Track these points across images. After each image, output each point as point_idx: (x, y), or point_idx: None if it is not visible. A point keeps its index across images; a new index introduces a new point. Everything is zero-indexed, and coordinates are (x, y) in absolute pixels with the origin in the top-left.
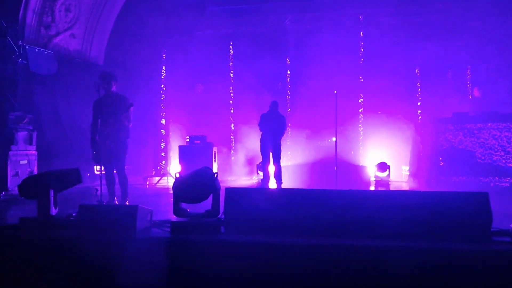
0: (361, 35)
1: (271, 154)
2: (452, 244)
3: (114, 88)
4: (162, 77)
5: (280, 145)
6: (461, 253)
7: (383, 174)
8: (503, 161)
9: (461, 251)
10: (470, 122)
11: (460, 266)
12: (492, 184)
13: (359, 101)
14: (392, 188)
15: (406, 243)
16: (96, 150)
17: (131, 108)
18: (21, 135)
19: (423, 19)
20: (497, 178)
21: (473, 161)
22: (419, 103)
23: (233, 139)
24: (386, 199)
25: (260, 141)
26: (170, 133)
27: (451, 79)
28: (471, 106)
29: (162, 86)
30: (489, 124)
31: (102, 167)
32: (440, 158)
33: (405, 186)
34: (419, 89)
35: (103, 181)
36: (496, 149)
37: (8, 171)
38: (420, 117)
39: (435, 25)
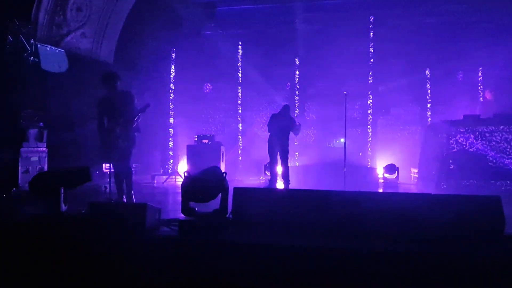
0: (371, 36)
1: (278, 154)
2: (464, 249)
3: (118, 87)
4: (171, 76)
5: (287, 145)
6: (473, 259)
7: (391, 176)
8: None
9: (473, 256)
10: (481, 124)
11: (472, 271)
12: (503, 188)
13: (368, 102)
14: (400, 190)
15: (415, 247)
16: (107, 149)
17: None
18: (32, 132)
19: (433, 20)
20: (508, 182)
21: (484, 164)
22: (429, 105)
23: (241, 139)
24: (395, 202)
25: (268, 142)
26: (179, 132)
27: (462, 81)
28: (482, 109)
29: (171, 85)
30: (501, 127)
31: (111, 165)
32: (450, 161)
33: (414, 189)
34: (429, 91)
35: (112, 179)
36: (508, 153)
37: (19, 167)
38: (429, 119)
39: (446, 26)
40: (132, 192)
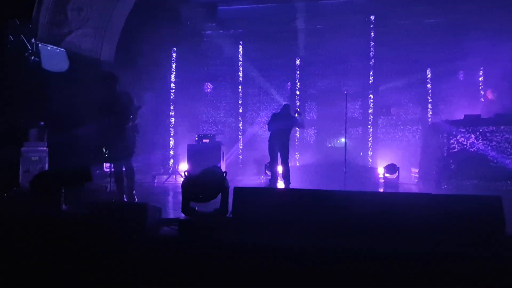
0: (372, 35)
1: (279, 154)
2: (463, 249)
3: (118, 87)
4: (172, 76)
5: (288, 145)
6: (472, 259)
7: (392, 176)
8: None
9: (473, 256)
10: (482, 124)
11: (472, 271)
12: (504, 188)
13: (369, 102)
14: (401, 190)
15: (415, 247)
16: (107, 148)
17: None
18: (33, 132)
19: (434, 20)
20: (509, 182)
21: (485, 164)
22: (429, 105)
23: (241, 139)
24: (395, 201)
25: (268, 141)
26: (179, 132)
27: (463, 81)
28: (483, 109)
29: (171, 85)
30: (502, 127)
31: (111, 165)
32: (451, 161)
33: (414, 189)
34: (430, 90)
35: (112, 179)
36: (509, 153)
37: (20, 167)
38: (430, 118)
39: (447, 26)
40: (134, 191)
